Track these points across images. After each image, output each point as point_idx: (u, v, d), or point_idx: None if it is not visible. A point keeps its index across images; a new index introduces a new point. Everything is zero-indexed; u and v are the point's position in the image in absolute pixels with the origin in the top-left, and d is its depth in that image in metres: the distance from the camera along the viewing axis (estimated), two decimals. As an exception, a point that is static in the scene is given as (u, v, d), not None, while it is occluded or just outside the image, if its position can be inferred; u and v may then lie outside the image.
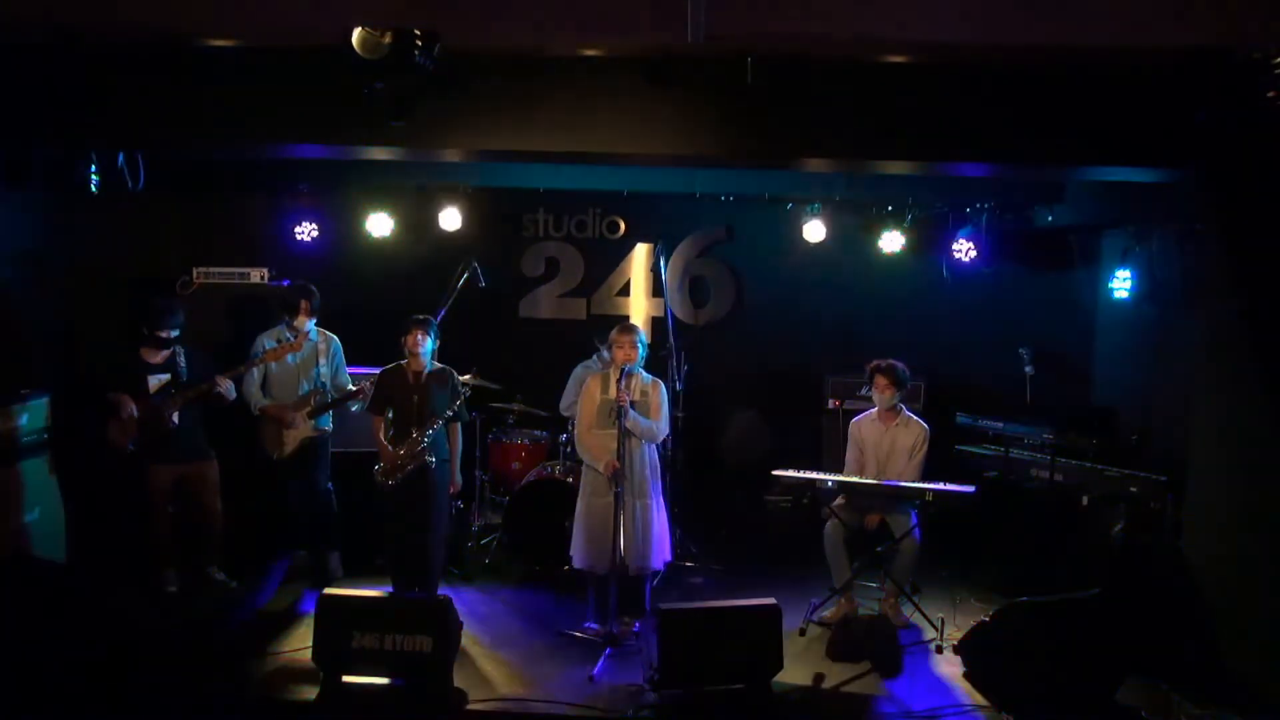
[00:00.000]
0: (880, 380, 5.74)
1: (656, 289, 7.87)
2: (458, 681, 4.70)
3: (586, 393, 5.43)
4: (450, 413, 5.40)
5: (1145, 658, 4.90)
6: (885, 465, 5.77)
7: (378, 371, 5.82)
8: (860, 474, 5.80)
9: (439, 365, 5.55)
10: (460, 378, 5.69)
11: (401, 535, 5.43)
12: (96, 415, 5.68)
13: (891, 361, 5.75)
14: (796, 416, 7.75)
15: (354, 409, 6.21)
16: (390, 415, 5.47)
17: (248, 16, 4.02)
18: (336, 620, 4.63)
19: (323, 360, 6.11)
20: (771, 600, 4.78)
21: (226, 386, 5.73)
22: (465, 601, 5.68)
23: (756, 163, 5.90)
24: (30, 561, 5.32)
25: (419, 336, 5.38)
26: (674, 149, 4.79)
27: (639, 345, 5.31)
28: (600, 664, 4.94)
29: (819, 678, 4.97)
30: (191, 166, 6.96)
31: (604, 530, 5.18)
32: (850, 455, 5.92)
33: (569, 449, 6.62)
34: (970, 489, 5.43)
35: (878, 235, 7.41)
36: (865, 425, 5.92)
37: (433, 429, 5.32)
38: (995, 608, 4.89)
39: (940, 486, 5.43)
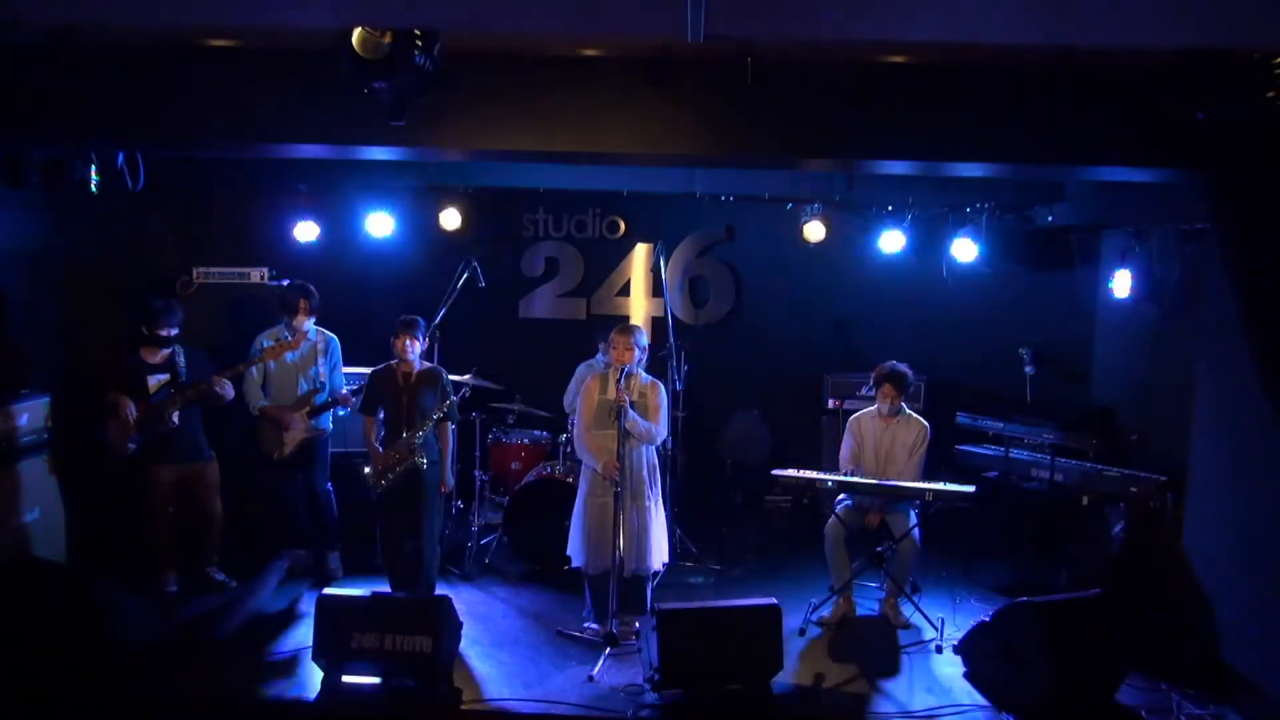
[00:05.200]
0: (887, 388, 5.72)
1: (656, 289, 7.87)
2: (457, 681, 4.70)
3: (586, 393, 5.43)
4: (440, 413, 5.39)
5: (1145, 658, 4.91)
6: (885, 463, 5.77)
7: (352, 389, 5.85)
8: (853, 470, 5.80)
9: (429, 365, 5.55)
10: (460, 378, 5.68)
11: (395, 536, 5.43)
12: (96, 415, 5.68)
13: (900, 370, 5.73)
14: (796, 416, 7.76)
15: (341, 413, 6.21)
16: (381, 416, 5.47)
17: (247, 17, 4.02)
18: (336, 620, 4.63)
19: (321, 360, 6.11)
20: (771, 600, 4.78)
21: (224, 386, 5.72)
22: (465, 601, 5.68)
23: (756, 163, 5.89)
24: (30, 561, 5.32)
25: (407, 341, 5.37)
26: (674, 149, 4.79)
27: (638, 346, 5.31)
28: (600, 664, 4.94)
29: (819, 678, 4.97)
30: (191, 166, 6.95)
31: (603, 530, 5.18)
32: (844, 451, 5.91)
33: (569, 449, 6.62)
34: (970, 489, 5.43)
35: (878, 235, 7.41)
36: (865, 421, 5.91)
37: (423, 430, 5.32)
38: (995, 608, 4.89)
39: (940, 486, 5.43)
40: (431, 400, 5.39)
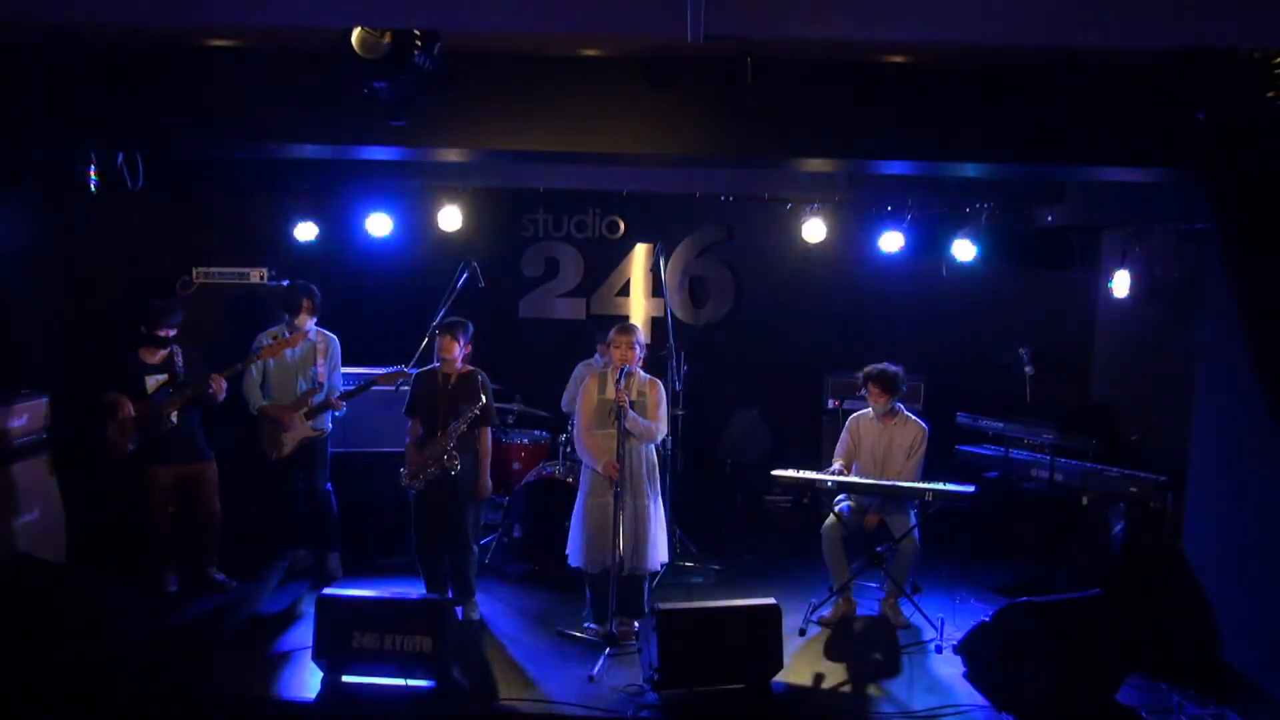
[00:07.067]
0: (873, 388, 5.74)
1: (656, 289, 7.87)
2: (458, 681, 4.69)
3: (585, 393, 5.42)
4: (474, 414, 5.36)
5: (1145, 658, 4.91)
6: (883, 464, 5.76)
7: (378, 372, 5.81)
8: (850, 467, 5.80)
9: (469, 368, 5.50)
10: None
11: (428, 540, 5.41)
12: (96, 415, 5.68)
13: (882, 368, 5.73)
14: (796, 416, 7.76)
15: (337, 415, 6.19)
16: (421, 419, 5.45)
17: (248, 17, 4.02)
18: (336, 620, 4.63)
19: (321, 359, 6.10)
20: (771, 600, 4.78)
21: (220, 386, 5.70)
22: (465, 601, 5.68)
23: (756, 163, 5.89)
24: (30, 561, 5.32)
25: (449, 343, 5.35)
26: (674, 149, 4.79)
27: (637, 345, 5.31)
28: (600, 664, 4.94)
29: (819, 678, 4.97)
30: (191, 166, 6.95)
31: (603, 530, 5.18)
32: (841, 447, 5.91)
33: (569, 449, 6.61)
34: (970, 489, 5.43)
35: (878, 235, 7.41)
36: (864, 422, 5.91)
37: (454, 433, 5.28)
38: (995, 608, 4.89)
39: (940, 486, 5.43)
40: (465, 403, 5.34)
